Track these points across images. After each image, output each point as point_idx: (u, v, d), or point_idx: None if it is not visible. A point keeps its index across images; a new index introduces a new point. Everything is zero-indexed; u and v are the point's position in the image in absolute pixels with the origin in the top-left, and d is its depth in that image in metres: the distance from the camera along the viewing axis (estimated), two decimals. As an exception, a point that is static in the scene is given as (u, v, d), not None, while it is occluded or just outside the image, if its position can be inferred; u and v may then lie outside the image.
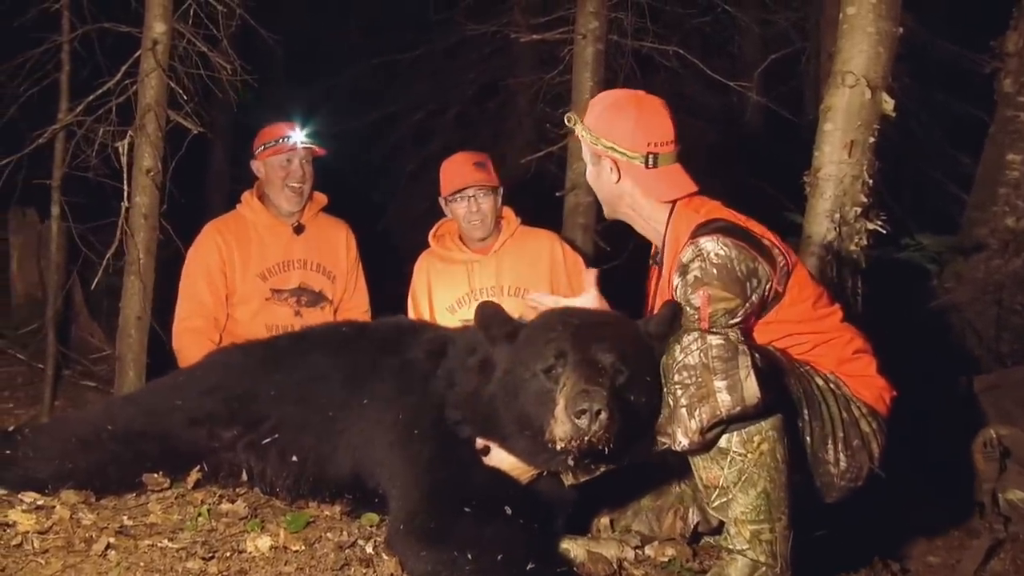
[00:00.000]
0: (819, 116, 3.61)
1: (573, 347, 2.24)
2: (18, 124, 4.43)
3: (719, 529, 2.57)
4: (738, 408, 2.17)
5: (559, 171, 4.95)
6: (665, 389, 2.27)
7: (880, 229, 3.57)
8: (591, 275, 2.75)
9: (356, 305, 4.12)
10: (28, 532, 2.28)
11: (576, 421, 2.07)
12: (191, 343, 3.76)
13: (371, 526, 2.53)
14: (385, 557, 2.34)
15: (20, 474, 2.60)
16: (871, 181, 3.51)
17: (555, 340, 2.27)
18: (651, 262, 2.86)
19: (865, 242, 3.55)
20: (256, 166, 4.01)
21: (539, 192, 5.03)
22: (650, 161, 2.62)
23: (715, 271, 2.36)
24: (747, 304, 2.39)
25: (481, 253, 3.82)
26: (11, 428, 3.02)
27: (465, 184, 3.70)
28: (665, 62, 5.74)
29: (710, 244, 2.39)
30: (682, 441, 2.22)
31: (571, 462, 2.25)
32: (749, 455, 2.25)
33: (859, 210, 3.50)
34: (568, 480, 2.37)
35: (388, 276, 4.41)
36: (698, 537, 2.72)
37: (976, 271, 5.11)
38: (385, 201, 8.45)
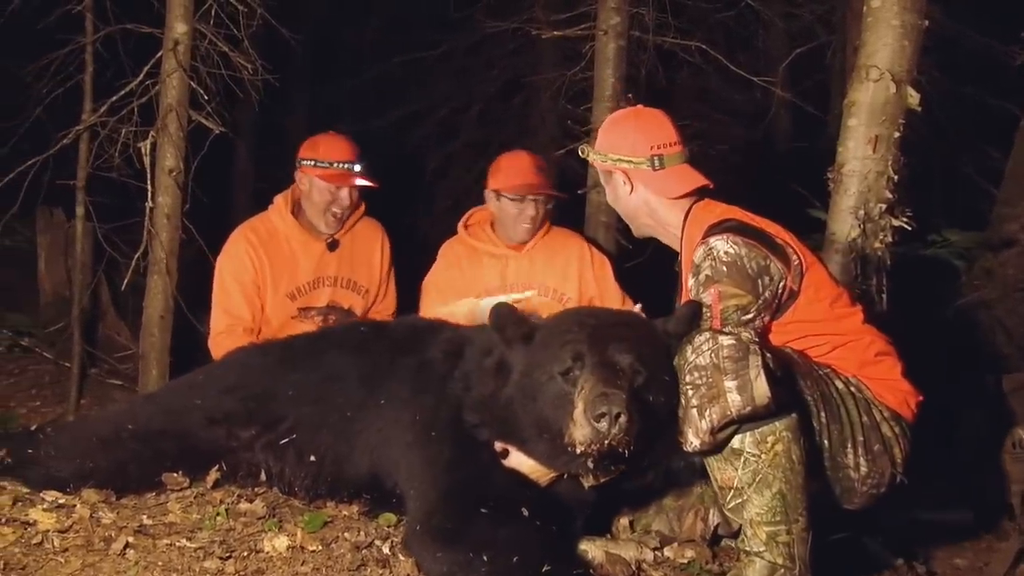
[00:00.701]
0: (843, 111, 3.56)
1: (590, 349, 2.23)
2: (44, 125, 4.47)
3: (739, 532, 2.54)
4: (748, 408, 2.16)
5: (581, 168, 4.92)
6: (680, 389, 2.25)
7: (905, 226, 3.51)
8: (636, 309, 2.76)
9: (383, 309, 4.03)
10: (48, 531, 2.30)
11: (596, 425, 2.07)
12: (230, 345, 3.55)
13: (388, 526, 2.53)
14: (402, 558, 2.34)
15: (42, 473, 2.63)
16: (896, 177, 3.46)
17: (572, 342, 2.26)
18: (676, 269, 2.87)
19: (890, 239, 3.49)
20: (299, 178, 3.78)
21: (562, 189, 5.00)
22: (656, 163, 2.70)
23: (725, 268, 2.39)
24: (759, 300, 2.39)
25: (515, 250, 3.81)
26: (34, 427, 3.06)
27: (532, 190, 3.67)
28: (688, 57, 5.69)
29: (720, 243, 2.42)
30: (693, 442, 2.21)
31: (591, 464, 2.24)
32: (763, 456, 2.23)
33: (884, 206, 3.45)
34: (588, 482, 2.36)
35: (409, 272, 4.39)
36: (718, 539, 2.70)
37: (1006, 267, 5.02)
38: (409, 198, 8.48)
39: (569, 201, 4.49)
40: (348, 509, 2.65)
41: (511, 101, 8.36)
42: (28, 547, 2.23)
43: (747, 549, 2.27)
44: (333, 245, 3.84)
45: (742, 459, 2.24)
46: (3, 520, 2.34)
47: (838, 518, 2.56)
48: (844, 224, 3.49)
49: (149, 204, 3.89)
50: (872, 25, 3.45)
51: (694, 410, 2.20)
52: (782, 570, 2.23)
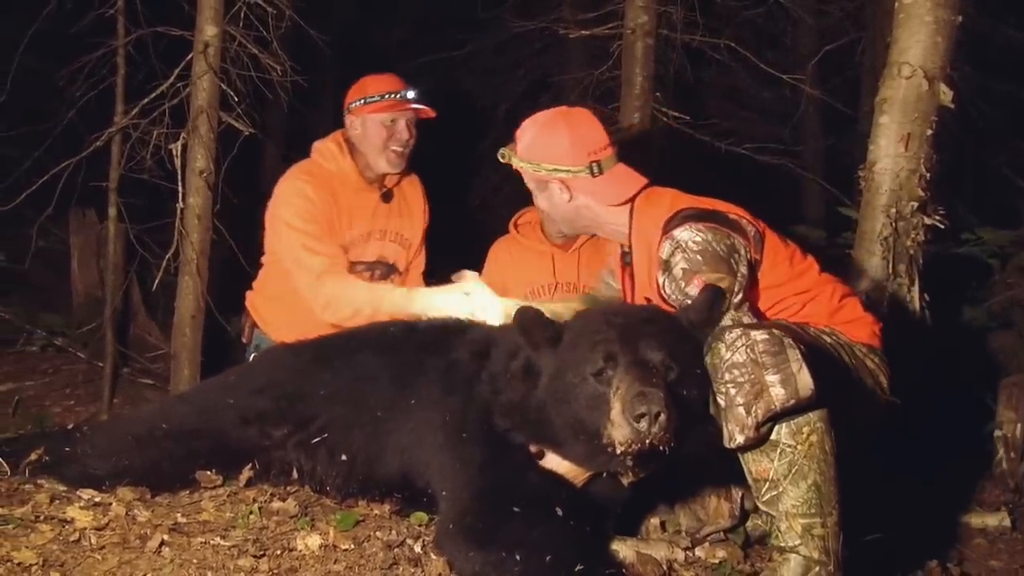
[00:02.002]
0: (875, 108, 3.53)
1: (622, 348, 2.22)
2: (77, 127, 4.51)
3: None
4: (792, 401, 2.16)
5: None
6: (714, 388, 2.24)
7: (938, 224, 3.48)
8: None
9: (416, 266, 3.94)
10: (85, 528, 2.33)
11: (635, 425, 2.07)
12: (343, 280, 3.40)
13: (420, 525, 2.54)
14: (433, 557, 2.34)
15: (79, 471, 2.67)
16: (929, 175, 3.43)
17: (602, 342, 2.25)
18: (622, 262, 2.88)
19: (922, 237, 3.46)
20: (351, 122, 3.66)
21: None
22: (595, 169, 2.69)
23: (699, 257, 2.43)
24: (739, 278, 2.44)
25: (562, 250, 3.82)
26: (70, 426, 3.09)
27: None
28: (716, 55, 5.66)
29: (685, 233, 2.46)
30: (738, 439, 2.19)
31: (629, 463, 2.23)
32: (799, 447, 2.23)
33: (916, 204, 3.42)
34: (627, 479, 2.36)
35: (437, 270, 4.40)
36: (746, 516, 2.69)
37: (1041, 266, 4.95)
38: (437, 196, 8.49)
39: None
40: (379, 508, 2.66)
41: (538, 100, 8.34)
42: (66, 544, 2.25)
43: (782, 545, 2.26)
44: (387, 196, 3.72)
45: (778, 451, 2.24)
46: (41, 517, 2.38)
47: (871, 518, 2.54)
48: (876, 222, 3.46)
49: (180, 205, 3.91)
50: (904, 21, 3.42)
51: (740, 408, 2.18)
52: (817, 567, 2.22)
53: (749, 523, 2.72)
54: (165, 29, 4.15)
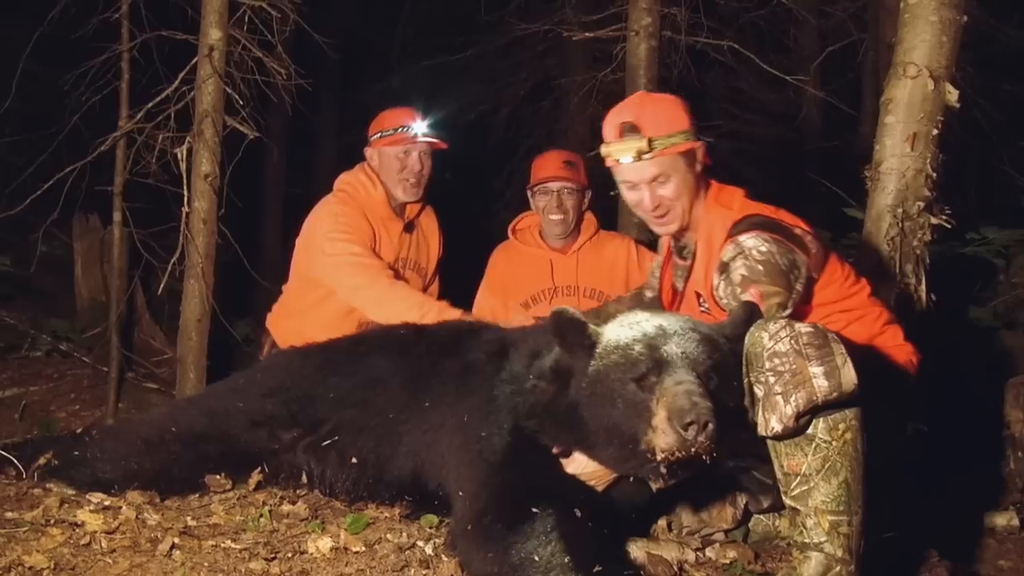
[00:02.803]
0: (880, 108, 3.53)
1: (666, 356, 2.20)
2: (81, 132, 4.51)
3: (772, 507, 2.60)
4: (835, 394, 2.14)
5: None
6: (752, 377, 2.23)
7: (944, 224, 3.47)
8: None
9: (431, 292, 4.00)
10: (96, 532, 2.33)
11: (683, 433, 2.05)
12: (394, 286, 3.52)
13: (430, 527, 2.54)
14: (444, 558, 2.34)
15: (88, 474, 2.68)
16: (935, 174, 3.42)
17: (646, 348, 2.23)
18: (678, 256, 2.88)
19: (929, 237, 3.46)
20: (369, 154, 3.82)
21: (592, 190, 5.00)
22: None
23: (761, 267, 2.43)
24: (793, 295, 2.45)
25: (560, 253, 3.82)
26: (79, 430, 3.09)
27: (549, 177, 3.69)
28: (720, 57, 5.67)
29: (751, 241, 2.46)
30: (776, 427, 2.17)
31: (664, 470, 2.20)
32: (834, 443, 2.21)
33: (922, 204, 3.42)
34: (657, 484, 2.33)
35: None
36: (748, 516, 2.69)
37: (1046, 265, 4.94)
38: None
39: (602, 202, 4.49)
40: (390, 511, 2.66)
41: (541, 103, 8.35)
42: (76, 548, 2.25)
43: (805, 541, 2.23)
44: (410, 227, 3.87)
45: (813, 445, 2.22)
46: (51, 521, 2.38)
47: (885, 518, 2.53)
48: (882, 222, 3.46)
49: (185, 209, 3.91)
50: (909, 21, 3.42)
51: (778, 396, 2.16)
52: (839, 566, 2.20)
53: (751, 520, 2.72)
54: (169, 33, 4.16)
